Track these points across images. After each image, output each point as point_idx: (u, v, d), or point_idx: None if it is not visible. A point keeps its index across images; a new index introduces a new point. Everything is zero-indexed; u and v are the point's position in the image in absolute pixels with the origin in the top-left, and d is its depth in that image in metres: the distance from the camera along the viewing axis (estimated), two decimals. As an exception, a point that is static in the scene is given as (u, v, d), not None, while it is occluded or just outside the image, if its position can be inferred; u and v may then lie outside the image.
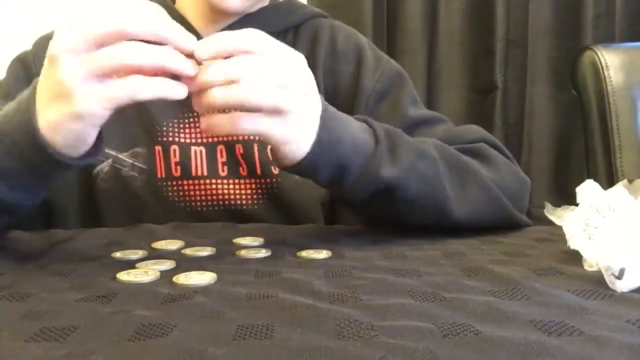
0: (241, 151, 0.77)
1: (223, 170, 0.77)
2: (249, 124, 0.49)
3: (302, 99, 0.52)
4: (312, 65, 0.80)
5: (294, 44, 0.82)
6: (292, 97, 0.50)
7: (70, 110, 0.46)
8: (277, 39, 0.86)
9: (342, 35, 0.84)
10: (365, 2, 1.37)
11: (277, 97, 0.49)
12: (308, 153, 0.53)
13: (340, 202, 0.62)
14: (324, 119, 0.54)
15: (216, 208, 0.77)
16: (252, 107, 0.49)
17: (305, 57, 0.84)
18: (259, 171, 0.77)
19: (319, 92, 0.81)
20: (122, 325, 0.33)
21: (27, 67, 0.78)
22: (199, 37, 0.81)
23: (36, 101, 0.49)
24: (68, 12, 1.31)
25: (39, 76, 0.77)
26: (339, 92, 0.80)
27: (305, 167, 0.54)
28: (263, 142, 0.55)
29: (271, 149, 0.54)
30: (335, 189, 0.59)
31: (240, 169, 0.77)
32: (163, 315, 0.35)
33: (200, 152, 0.77)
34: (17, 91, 0.77)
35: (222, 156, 0.77)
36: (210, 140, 0.77)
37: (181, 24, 0.84)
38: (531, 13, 1.43)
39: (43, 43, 0.81)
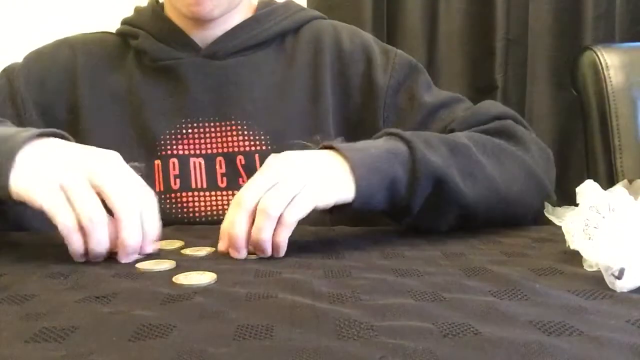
0: (242, 162, 0.76)
1: (222, 182, 0.76)
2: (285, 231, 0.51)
3: (290, 173, 0.52)
4: (318, 68, 0.80)
5: (294, 49, 0.81)
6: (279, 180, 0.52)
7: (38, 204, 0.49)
8: (275, 44, 0.86)
9: (346, 35, 0.83)
10: (365, 2, 1.37)
11: (268, 199, 0.50)
12: (355, 189, 0.54)
13: (403, 222, 0.62)
14: (348, 152, 0.55)
15: (215, 219, 0.75)
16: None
17: (309, 60, 0.84)
18: None
19: (325, 95, 0.81)
20: (121, 326, 0.33)
21: (10, 81, 0.78)
22: (190, 41, 0.81)
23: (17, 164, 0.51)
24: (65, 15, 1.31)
25: (23, 95, 0.79)
26: (351, 92, 0.80)
27: (361, 202, 0.54)
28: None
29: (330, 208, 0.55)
30: (397, 205, 0.58)
31: (240, 179, 0.76)
32: (163, 316, 0.35)
33: (199, 163, 0.77)
34: None
35: (221, 167, 0.77)
36: (209, 151, 0.77)
37: (174, 32, 0.85)
38: (531, 13, 1.43)
39: (32, 60, 0.81)
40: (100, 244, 0.48)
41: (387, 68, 0.80)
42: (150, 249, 0.52)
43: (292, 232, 0.51)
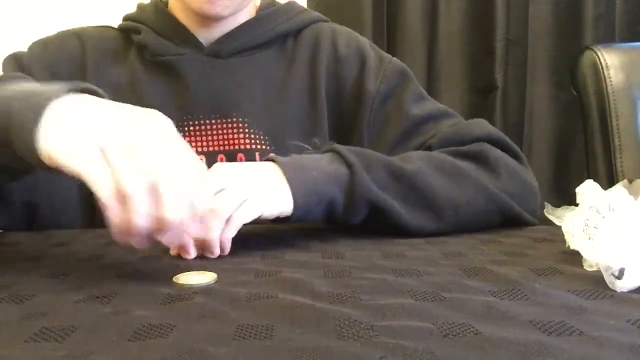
0: (243, 160, 0.76)
1: None
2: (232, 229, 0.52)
3: (236, 182, 0.55)
4: (315, 70, 0.80)
5: (294, 50, 0.82)
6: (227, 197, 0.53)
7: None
8: (276, 45, 0.86)
9: (343, 40, 0.83)
10: (365, 2, 1.37)
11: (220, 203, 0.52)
12: (293, 204, 0.56)
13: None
14: (289, 172, 0.57)
15: None
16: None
17: (307, 63, 0.84)
18: None
19: (321, 97, 0.81)
20: (121, 326, 0.33)
21: (22, 68, 0.78)
22: (194, 39, 0.81)
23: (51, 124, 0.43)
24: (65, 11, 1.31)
25: (37, 79, 0.79)
26: (343, 96, 0.81)
27: (298, 216, 0.57)
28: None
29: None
30: (336, 221, 0.61)
31: None
32: (163, 316, 0.35)
33: (201, 160, 0.77)
34: None
35: None
36: (210, 149, 0.77)
37: (177, 28, 0.84)
38: (531, 13, 1.43)
39: (38, 49, 0.81)
40: (140, 215, 0.40)
41: (379, 74, 0.80)
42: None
43: (293, 232, 0.50)
